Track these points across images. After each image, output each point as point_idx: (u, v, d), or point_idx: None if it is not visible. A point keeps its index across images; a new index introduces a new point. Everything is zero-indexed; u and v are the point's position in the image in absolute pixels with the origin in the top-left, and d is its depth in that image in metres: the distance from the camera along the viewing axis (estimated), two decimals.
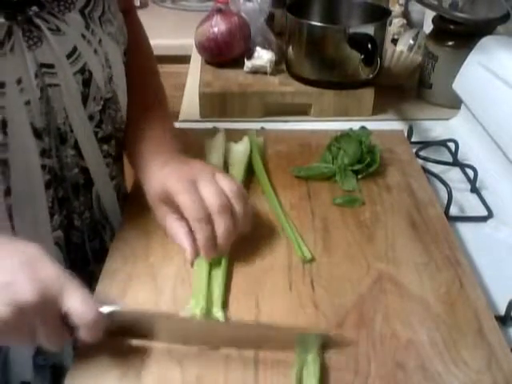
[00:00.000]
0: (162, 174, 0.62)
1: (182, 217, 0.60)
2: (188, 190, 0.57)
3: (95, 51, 0.62)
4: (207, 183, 0.58)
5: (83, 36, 0.60)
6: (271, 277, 0.61)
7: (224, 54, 1.10)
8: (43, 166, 0.60)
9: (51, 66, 0.57)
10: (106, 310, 0.49)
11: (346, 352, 0.52)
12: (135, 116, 0.72)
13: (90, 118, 0.64)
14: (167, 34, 1.63)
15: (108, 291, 0.58)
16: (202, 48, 1.11)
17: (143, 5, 1.79)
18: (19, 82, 0.54)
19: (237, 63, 1.09)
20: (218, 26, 1.08)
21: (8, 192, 0.58)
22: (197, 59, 1.19)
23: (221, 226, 0.57)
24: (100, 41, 0.62)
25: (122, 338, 0.53)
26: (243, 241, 0.64)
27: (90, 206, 0.69)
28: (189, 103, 1.07)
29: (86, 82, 0.62)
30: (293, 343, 0.52)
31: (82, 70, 0.61)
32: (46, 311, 0.45)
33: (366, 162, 0.77)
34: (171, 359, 0.52)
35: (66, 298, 0.46)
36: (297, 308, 0.57)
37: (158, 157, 0.66)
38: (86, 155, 0.65)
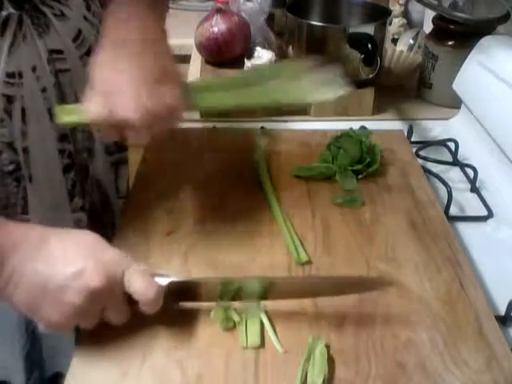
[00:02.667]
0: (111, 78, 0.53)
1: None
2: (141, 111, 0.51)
3: (97, 31, 0.61)
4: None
5: (85, 18, 0.60)
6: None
7: (224, 53, 1.10)
8: (61, 151, 0.61)
9: (60, 52, 0.58)
10: (163, 282, 0.52)
11: (347, 352, 0.52)
12: None
13: None
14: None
15: None
16: (202, 48, 1.12)
17: None
18: (34, 69, 0.55)
19: (237, 63, 1.09)
20: (218, 25, 1.08)
21: (30, 179, 0.60)
22: (197, 59, 1.19)
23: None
24: (101, 21, 0.61)
25: (177, 303, 0.56)
26: (243, 240, 0.64)
27: (91, 188, 0.70)
28: None
29: None
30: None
31: (88, 53, 0.61)
32: (114, 293, 0.49)
33: (366, 162, 0.77)
34: (171, 359, 0.52)
35: (128, 278, 0.50)
36: (297, 308, 0.57)
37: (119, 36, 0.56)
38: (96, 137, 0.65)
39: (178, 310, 0.56)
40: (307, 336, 0.52)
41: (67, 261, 0.48)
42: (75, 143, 0.63)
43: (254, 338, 0.53)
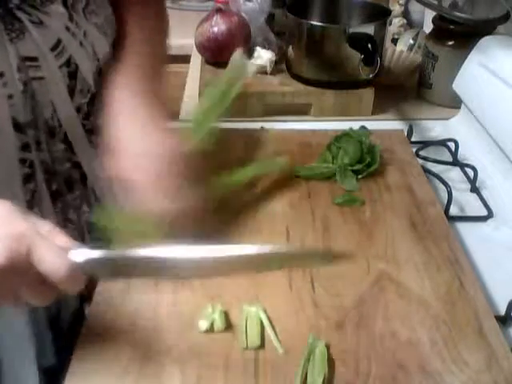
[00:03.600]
0: (129, 155, 0.58)
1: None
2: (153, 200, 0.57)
3: (80, 43, 0.61)
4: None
5: (67, 28, 0.59)
6: (271, 276, 0.61)
7: (224, 53, 1.10)
8: (22, 160, 0.59)
9: (35, 59, 0.56)
10: (79, 258, 0.45)
11: (347, 352, 0.52)
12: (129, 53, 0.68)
13: (78, 110, 0.63)
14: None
15: (108, 292, 0.59)
16: (202, 48, 1.11)
17: None
18: (1, 75, 0.54)
19: None
20: (218, 25, 1.08)
21: None
22: (197, 59, 1.19)
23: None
24: (85, 33, 0.61)
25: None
26: (243, 239, 0.64)
27: (87, 200, 0.69)
28: (189, 103, 1.07)
29: (72, 75, 0.61)
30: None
31: (68, 63, 0.60)
32: (21, 272, 0.43)
33: (366, 162, 0.77)
34: (171, 359, 0.52)
35: (38, 255, 0.43)
36: (297, 308, 0.57)
37: (130, 113, 0.62)
38: (76, 148, 0.64)
39: (174, 306, 0.56)
40: (307, 336, 0.52)
41: None
42: (50, 153, 0.61)
43: (253, 339, 0.53)
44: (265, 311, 0.56)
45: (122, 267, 0.48)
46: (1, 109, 0.55)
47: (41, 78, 0.57)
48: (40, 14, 0.56)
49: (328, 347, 0.52)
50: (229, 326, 0.55)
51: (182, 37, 1.50)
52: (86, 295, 0.62)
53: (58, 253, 0.44)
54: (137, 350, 0.53)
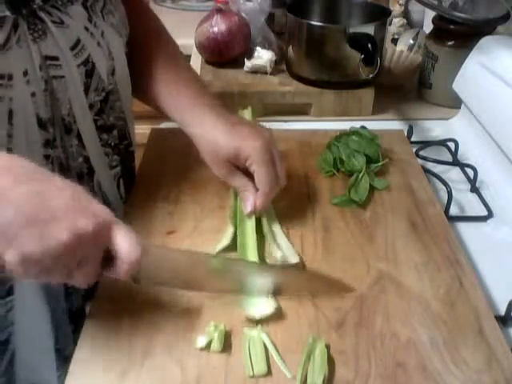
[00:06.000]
0: (232, 135, 0.66)
1: (247, 175, 0.66)
2: (267, 165, 0.64)
3: (98, 43, 0.63)
4: (277, 160, 0.66)
5: (86, 28, 0.61)
6: None
7: (224, 53, 1.10)
8: (46, 156, 0.61)
9: (56, 59, 0.58)
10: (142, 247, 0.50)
11: (347, 352, 0.52)
12: (167, 74, 0.73)
13: (91, 106, 0.65)
14: None
15: (110, 291, 0.59)
16: (202, 48, 1.12)
17: None
18: (25, 73, 0.55)
19: (237, 63, 1.09)
20: (218, 25, 1.08)
21: None
22: (197, 59, 1.19)
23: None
24: (103, 33, 0.63)
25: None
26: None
27: (92, 194, 0.69)
28: None
29: (89, 73, 0.63)
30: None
31: (86, 62, 0.61)
32: (97, 243, 0.47)
33: (384, 161, 0.78)
34: (171, 359, 0.52)
35: (115, 232, 0.48)
36: (297, 308, 0.57)
37: (210, 111, 0.69)
38: (87, 143, 0.65)
39: (176, 307, 0.56)
40: (307, 336, 0.52)
41: (58, 194, 0.46)
42: (65, 148, 0.63)
43: (260, 366, 0.50)
44: (266, 334, 0.53)
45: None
46: (26, 106, 0.56)
47: (61, 77, 0.59)
48: (61, 15, 0.58)
49: (328, 347, 0.52)
50: (227, 348, 0.53)
51: (182, 37, 1.50)
52: (89, 292, 0.62)
53: (133, 236, 0.48)
54: (137, 349, 0.53)
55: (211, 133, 0.67)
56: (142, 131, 0.86)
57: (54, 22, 0.57)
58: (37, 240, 0.43)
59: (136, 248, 0.48)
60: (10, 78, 0.54)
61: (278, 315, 0.56)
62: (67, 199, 0.46)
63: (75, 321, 0.70)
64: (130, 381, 0.50)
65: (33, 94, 0.57)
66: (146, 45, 0.74)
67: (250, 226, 0.65)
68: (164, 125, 0.95)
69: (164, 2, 1.84)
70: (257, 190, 0.66)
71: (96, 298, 0.58)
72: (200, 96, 0.72)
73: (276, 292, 0.58)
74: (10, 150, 0.57)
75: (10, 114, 0.55)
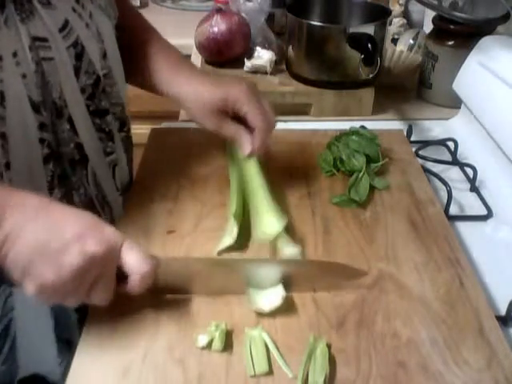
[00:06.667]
0: (220, 84, 0.70)
1: (238, 121, 0.69)
2: (256, 103, 0.68)
3: (87, 25, 0.63)
4: (263, 100, 0.69)
5: (74, 9, 0.61)
6: None
7: (224, 53, 1.10)
8: (41, 140, 0.61)
9: (45, 40, 0.58)
10: (155, 261, 0.53)
11: (348, 351, 0.52)
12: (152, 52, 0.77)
13: (82, 90, 0.65)
14: (167, 33, 1.62)
15: None
16: (202, 48, 1.12)
17: (143, 5, 1.79)
18: (15, 55, 0.55)
19: (237, 63, 1.09)
20: (218, 25, 1.08)
21: (8, 166, 0.59)
22: (197, 59, 1.19)
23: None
24: (91, 14, 0.63)
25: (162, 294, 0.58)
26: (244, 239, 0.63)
27: (86, 182, 0.69)
28: None
29: (79, 56, 0.63)
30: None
31: (75, 44, 0.62)
32: (110, 262, 0.50)
33: (384, 161, 0.78)
34: (172, 359, 0.52)
35: (124, 251, 0.51)
36: (297, 307, 0.57)
37: (194, 72, 0.74)
38: (79, 129, 0.65)
39: (177, 306, 0.57)
40: (308, 335, 0.52)
41: (68, 223, 0.49)
42: (56, 134, 0.63)
43: (261, 365, 0.50)
44: (267, 333, 0.53)
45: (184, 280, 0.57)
46: (17, 88, 0.57)
47: (50, 59, 0.59)
48: None
49: (329, 347, 0.52)
50: (229, 347, 0.53)
51: (182, 37, 1.51)
52: None
53: (142, 252, 0.52)
54: (138, 348, 0.53)
55: (198, 88, 0.70)
56: (142, 131, 0.86)
57: (40, 2, 0.57)
58: (51, 268, 0.47)
59: (146, 263, 0.51)
60: (0, 59, 0.54)
61: (278, 315, 0.56)
62: (78, 228, 0.49)
63: (80, 310, 0.71)
64: (132, 379, 0.50)
65: (23, 76, 0.57)
66: (135, 28, 0.78)
67: (258, 183, 0.67)
68: (164, 125, 0.95)
69: (164, 2, 1.84)
70: (251, 133, 0.68)
71: None
72: (183, 63, 0.76)
73: (286, 284, 0.58)
74: (3, 134, 0.57)
75: (2, 95, 0.55)
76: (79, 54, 0.62)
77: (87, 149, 0.67)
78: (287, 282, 0.58)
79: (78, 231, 0.49)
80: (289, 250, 0.62)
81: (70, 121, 0.64)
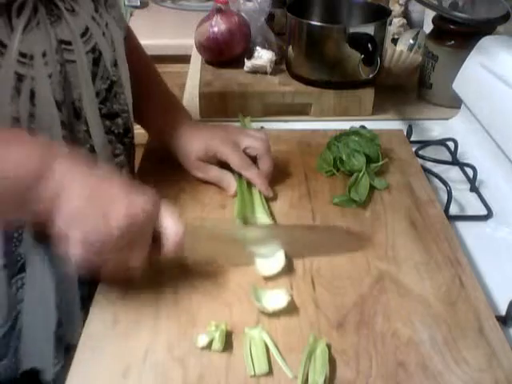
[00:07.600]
0: (203, 137, 0.76)
1: (222, 167, 0.75)
2: (234, 151, 0.73)
3: (103, 33, 0.66)
4: (245, 139, 0.75)
5: (93, 18, 0.64)
6: (272, 277, 0.61)
7: (224, 53, 1.10)
8: (65, 137, 0.63)
9: (69, 43, 0.62)
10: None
11: (348, 351, 0.52)
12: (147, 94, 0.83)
13: (97, 94, 0.67)
14: (167, 33, 1.63)
15: (110, 290, 0.59)
16: (202, 48, 1.12)
17: (143, 5, 1.79)
18: (44, 55, 0.58)
19: (237, 63, 1.09)
20: (218, 25, 1.08)
21: None
22: (197, 59, 1.19)
23: (266, 163, 0.75)
24: (107, 24, 0.67)
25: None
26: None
27: None
28: (189, 103, 1.07)
29: (96, 61, 0.66)
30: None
31: (93, 50, 0.65)
32: (150, 221, 0.53)
33: (384, 161, 0.78)
34: (172, 359, 0.52)
35: (164, 215, 0.55)
36: (298, 307, 0.57)
37: (185, 123, 0.79)
38: (92, 130, 0.68)
39: (177, 306, 0.57)
40: (308, 335, 0.53)
41: (114, 181, 0.53)
42: (73, 133, 0.65)
43: (261, 365, 0.51)
44: (267, 333, 0.53)
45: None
46: (45, 87, 0.60)
47: (73, 61, 0.63)
48: (72, 3, 0.62)
49: (329, 347, 0.52)
50: (229, 347, 0.53)
51: (181, 37, 1.52)
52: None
53: (178, 219, 0.55)
54: (138, 347, 0.53)
55: (184, 140, 0.77)
56: (142, 131, 0.86)
57: (66, 8, 0.61)
58: (99, 219, 0.50)
59: (181, 228, 0.54)
60: (32, 58, 0.57)
61: (278, 315, 0.56)
62: (123, 186, 0.53)
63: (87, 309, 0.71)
64: (132, 379, 0.50)
65: (50, 76, 0.59)
66: (138, 72, 0.80)
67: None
68: None
69: (164, 2, 1.84)
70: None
71: (97, 297, 0.59)
72: (178, 113, 0.82)
73: (291, 249, 0.62)
74: (33, 131, 0.60)
75: (33, 93, 0.58)
76: (96, 59, 0.66)
77: (98, 149, 0.69)
78: (290, 249, 0.62)
79: (124, 189, 0.52)
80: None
81: (86, 122, 0.67)
